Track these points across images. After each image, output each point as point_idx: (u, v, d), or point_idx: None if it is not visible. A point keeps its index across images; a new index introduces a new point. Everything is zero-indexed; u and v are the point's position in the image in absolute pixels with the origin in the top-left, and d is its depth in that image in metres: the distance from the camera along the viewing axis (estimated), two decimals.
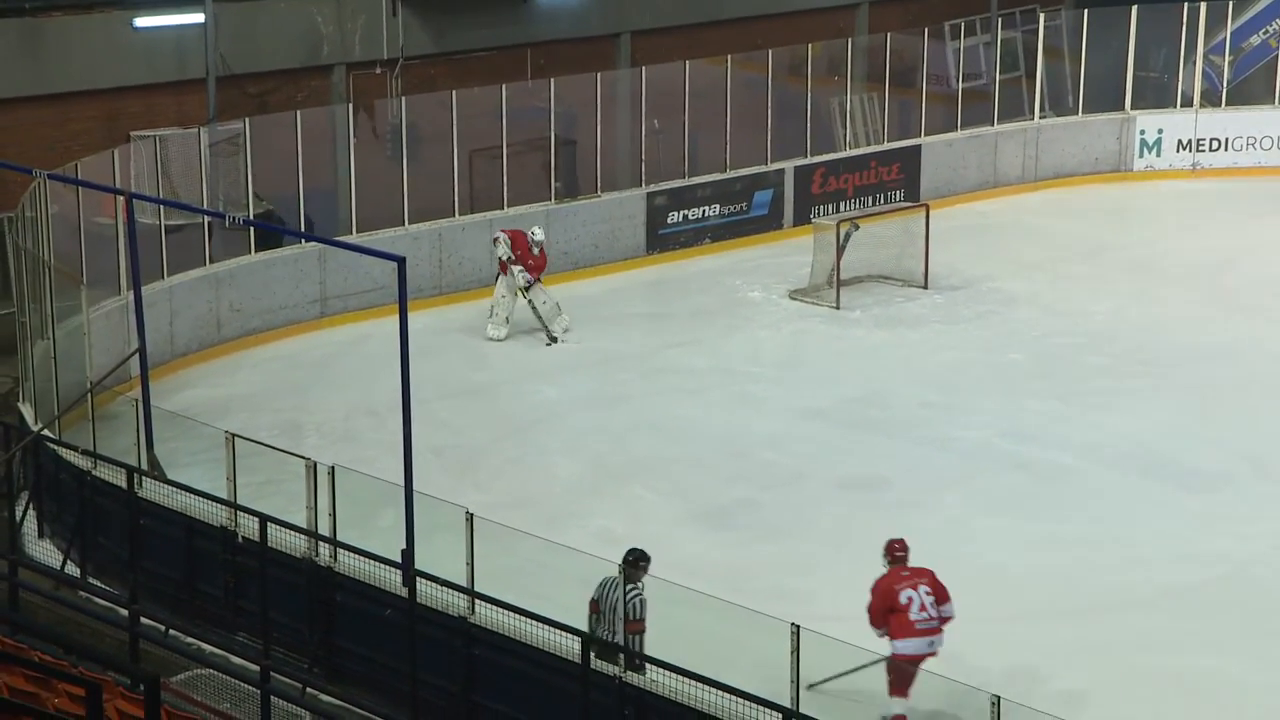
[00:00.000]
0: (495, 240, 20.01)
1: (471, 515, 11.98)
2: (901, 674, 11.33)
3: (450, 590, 11.98)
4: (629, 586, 11.31)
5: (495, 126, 21.59)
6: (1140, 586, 14.00)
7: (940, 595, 11.63)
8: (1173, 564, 14.38)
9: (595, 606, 11.40)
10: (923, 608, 11.49)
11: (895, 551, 11.97)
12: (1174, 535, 14.88)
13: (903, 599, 11.49)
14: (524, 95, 22.45)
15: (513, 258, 19.68)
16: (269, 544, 12.90)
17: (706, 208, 23.25)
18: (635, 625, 11.22)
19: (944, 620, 11.59)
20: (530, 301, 19.68)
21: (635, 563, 11.43)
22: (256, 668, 11.52)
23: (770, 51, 23.87)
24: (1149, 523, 15.11)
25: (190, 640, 12.70)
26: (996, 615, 13.52)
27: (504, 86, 21.66)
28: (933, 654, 11.46)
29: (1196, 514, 15.26)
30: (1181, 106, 26.73)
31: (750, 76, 23.95)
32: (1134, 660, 12.84)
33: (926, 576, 11.71)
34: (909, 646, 11.38)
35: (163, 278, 18.63)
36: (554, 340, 19.60)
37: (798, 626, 10.50)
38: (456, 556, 12.03)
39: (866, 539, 14.81)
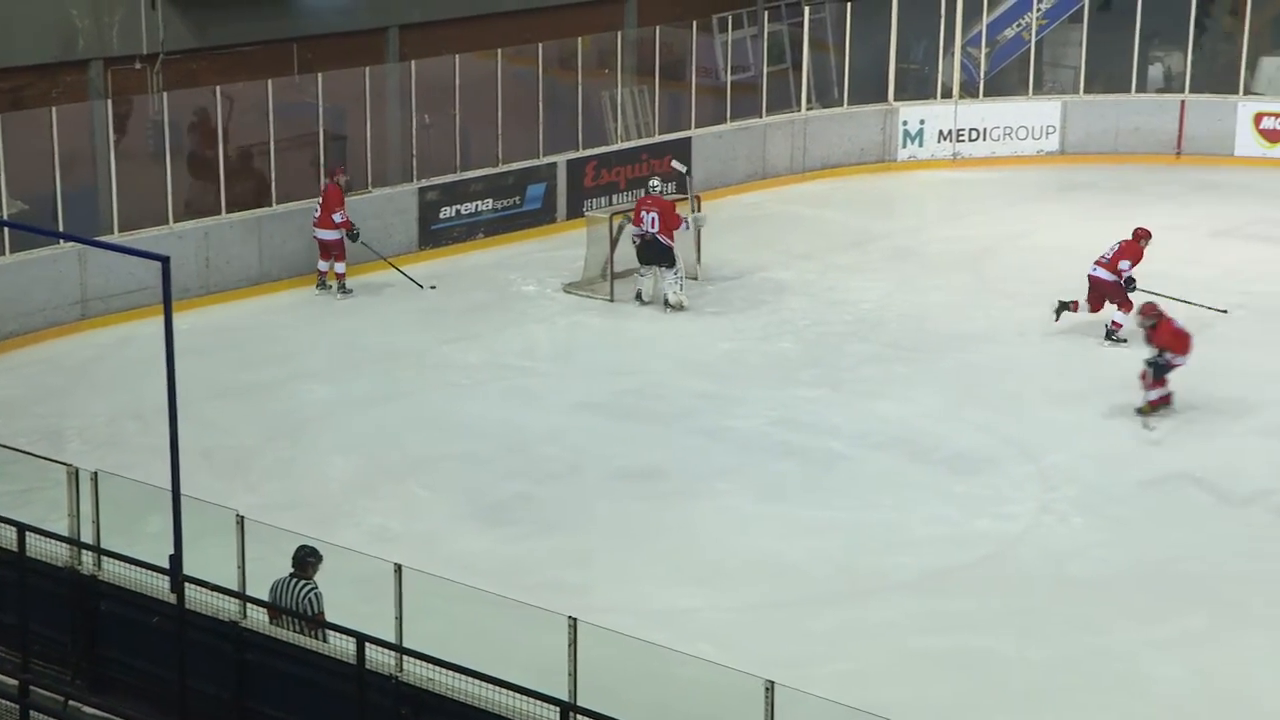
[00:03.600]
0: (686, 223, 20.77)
1: (242, 518, 11.75)
2: None
3: (220, 595, 11.73)
4: (302, 584, 11.31)
5: (262, 123, 21.21)
6: (909, 569, 14.33)
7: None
8: (940, 546, 14.74)
9: (273, 611, 11.32)
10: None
11: None
12: (940, 518, 15.25)
13: None
14: (291, 90, 22.08)
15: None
16: (28, 553, 12.48)
17: (479, 202, 23.16)
18: (314, 622, 11.20)
19: None
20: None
21: (306, 560, 11.46)
22: (15, 682, 11.15)
23: (540, 45, 23.85)
24: (916, 506, 15.47)
25: None
26: (770, 601, 13.75)
27: (270, 82, 21.29)
28: None
29: (962, 496, 15.66)
30: (942, 98, 27.42)
31: (521, 70, 23.92)
32: (904, 641, 13.13)
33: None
34: None
35: None
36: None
37: (575, 620, 10.51)
38: (227, 560, 11.79)
39: (643, 530, 15.02)
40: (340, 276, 21.12)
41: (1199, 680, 12.68)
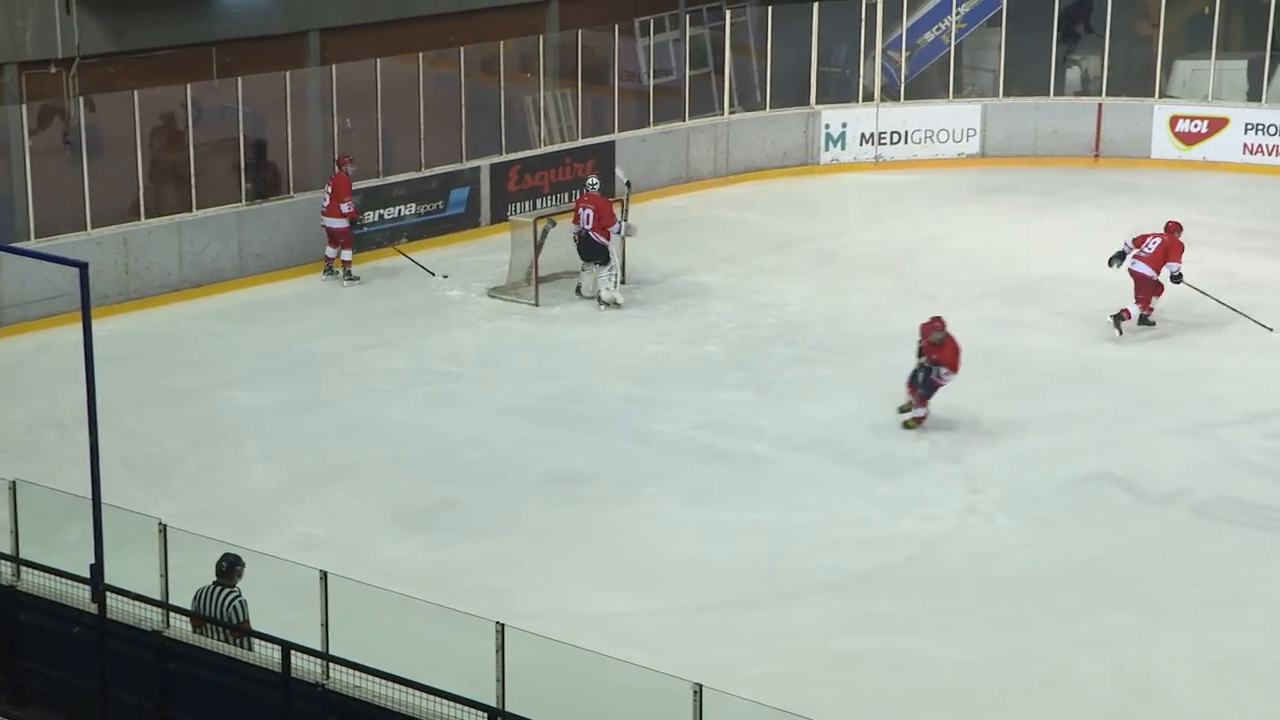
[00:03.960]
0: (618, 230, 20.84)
1: (165, 526, 11.64)
2: None
3: (143, 604, 11.62)
4: (226, 592, 11.24)
5: (181, 127, 21.03)
6: (834, 570, 14.39)
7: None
8: (865, 547, 14.81)
9: (197, 620, 11.24)
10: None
11: None
12: (865, 520, 15.33)
13: None
14: (210, 95, 21.91)
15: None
16: None
17: (402, 206, 23.05)
18: (239, 630, 11.13)
19: None
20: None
21: (230, 568, 11.38)
22: None
23: (462, 49, 23.77)
24: (841, 508, 15.54)
25: None
26: (697, 605, 13.78)
27: (189, 86, 21.10)
28: None
29: (886, 498, 15.74)
30: (863, 101, 27.57)
31: (443, 74, 23.83)
32: (830, 643, 13.19)
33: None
34: None
35: None
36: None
37: (502, 625, 10.48)
38: (150, 569, 11.68)
39: (570, 535, 15.00)
40: (346, 264, 21.61)
41: (1122, 677, 12.81)
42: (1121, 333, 19.67)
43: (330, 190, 21.39)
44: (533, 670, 11.23)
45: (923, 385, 16.98)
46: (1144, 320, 19.85)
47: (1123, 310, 19.76)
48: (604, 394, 18.19)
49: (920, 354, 17.05)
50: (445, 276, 21.40)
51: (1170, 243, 19.70)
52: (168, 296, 20.71)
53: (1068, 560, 14.62)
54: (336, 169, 21.55)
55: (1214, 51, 27.22)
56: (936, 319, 17.05)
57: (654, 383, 18.51)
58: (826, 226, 25.01)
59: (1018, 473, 16.27)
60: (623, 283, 21.31)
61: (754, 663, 12.74)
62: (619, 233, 20.95)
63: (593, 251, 20.76)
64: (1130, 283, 19.83)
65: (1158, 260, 19.62)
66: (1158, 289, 19.78)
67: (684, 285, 21.77)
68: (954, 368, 16.89)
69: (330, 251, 21.65)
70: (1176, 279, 19.58)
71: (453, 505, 15.53)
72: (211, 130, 21.77)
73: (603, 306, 20.67)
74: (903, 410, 17.09)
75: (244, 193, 21.60)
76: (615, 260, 20.90)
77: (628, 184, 21.94)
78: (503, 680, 10.50)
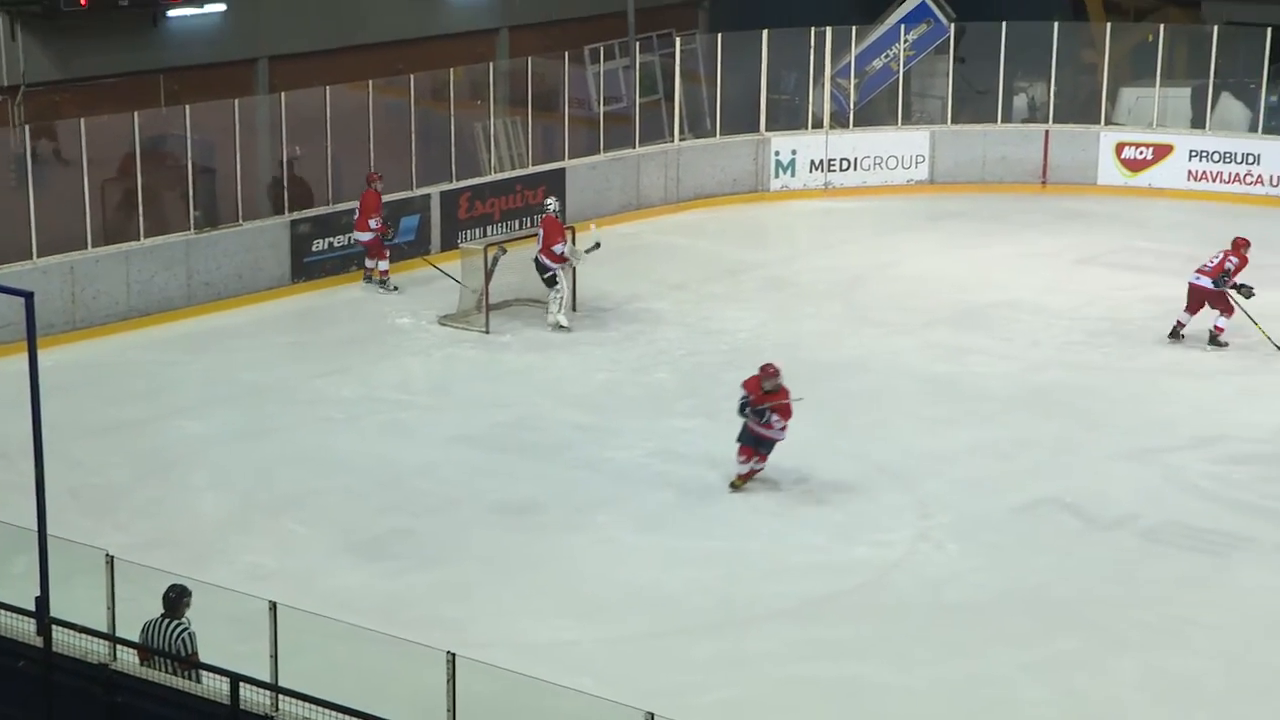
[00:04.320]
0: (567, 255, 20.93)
1: (112, 557, 11.54)
2: None
3: (89, 637, 11.51)
4: (174, 624, 11.15)
5: (128, 156, 20.92)
6: (787, 597, 14.39)
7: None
8: (817, 574, 14.83)
9: (144, 653, 11.15)
10: None
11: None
12: (818, 546, 15.35)
13: None
14: (158, 123, 21.81)
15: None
16: None
17: (352, 235, 22.98)
18: (187, 662, 11.04)
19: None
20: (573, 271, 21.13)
21: (178, 599, 11.30)
22: None
23: (412, 76, 23.77)
24: (793, 535, 15.56)
25: None
26: (650, 632, 13.75)
27: (136, 114, 21.00)
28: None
29: (839, 525, 15.77)
30: (813, 128, 27.69)
31: (392, 101, 23.81)
32: (783, 670, 13.18)
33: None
34: None
35: None
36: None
37: (453, 655, 10.44)
38: (96, 601, 11.57)
39: (522, 563, 14.97)
40: (384, 274, 22.39)
41: (1071, 702, 12.86)
42: (1180, 338, 20.29)
43: (360, 205, 22.15)
44: (484, 700, 11.19)
45: (760, 444, 16.13)
46: (1214, 341, 20.20)
47: (1179, 323, 20.30)
48: (555, 422, 18.17)
49: (744, 409, 16.09)
50: (597, 245, 21.30)
51: (1230, 255, 20.12)
52: (115, 326, 20.58)
53: (1017, 585, 14.68)
54: (366, 185, 22.17)
55: (1158, 79, 27.48)
56: (769, 366, 16.15)
57: (605, 410, 18.50)
58: (777, 253, 25.09)
59: (968, 499, 16.33)
60: (574, 310, 21.33)
61: (706, 690, 12.73)
62: (564, 254, 20.95)
63: (541, 273, 20.87)
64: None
65: (1216, 271, 20.05)
66: (1219, 299, 20.05)
67: (635, 312, 21.79)
68: (787, 415, 16.02)
69: (369, 263, 22.53)
70: (1243, 288, 20.00)
71: (403, 534, 15.46)
72: (160, 158, 21.67)
73: (551, 329, 20.78)
74: (734, 488, 16.22)
75: (193, 221, 21.49)
76: (564, 284, 20.92)
77: (597, 244, 21.55)
78: (454, 710, 10.45)
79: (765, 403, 16.12)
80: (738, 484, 16.34)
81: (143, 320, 20.89)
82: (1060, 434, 17.90)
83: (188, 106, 21.56)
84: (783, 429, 16.17)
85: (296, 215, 22.49)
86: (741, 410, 16.19)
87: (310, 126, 22.64)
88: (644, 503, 16.19)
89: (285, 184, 22.39)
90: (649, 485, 16.55)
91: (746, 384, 16.28)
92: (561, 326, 20.81)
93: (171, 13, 23.42)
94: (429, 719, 10.46)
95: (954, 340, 20.80)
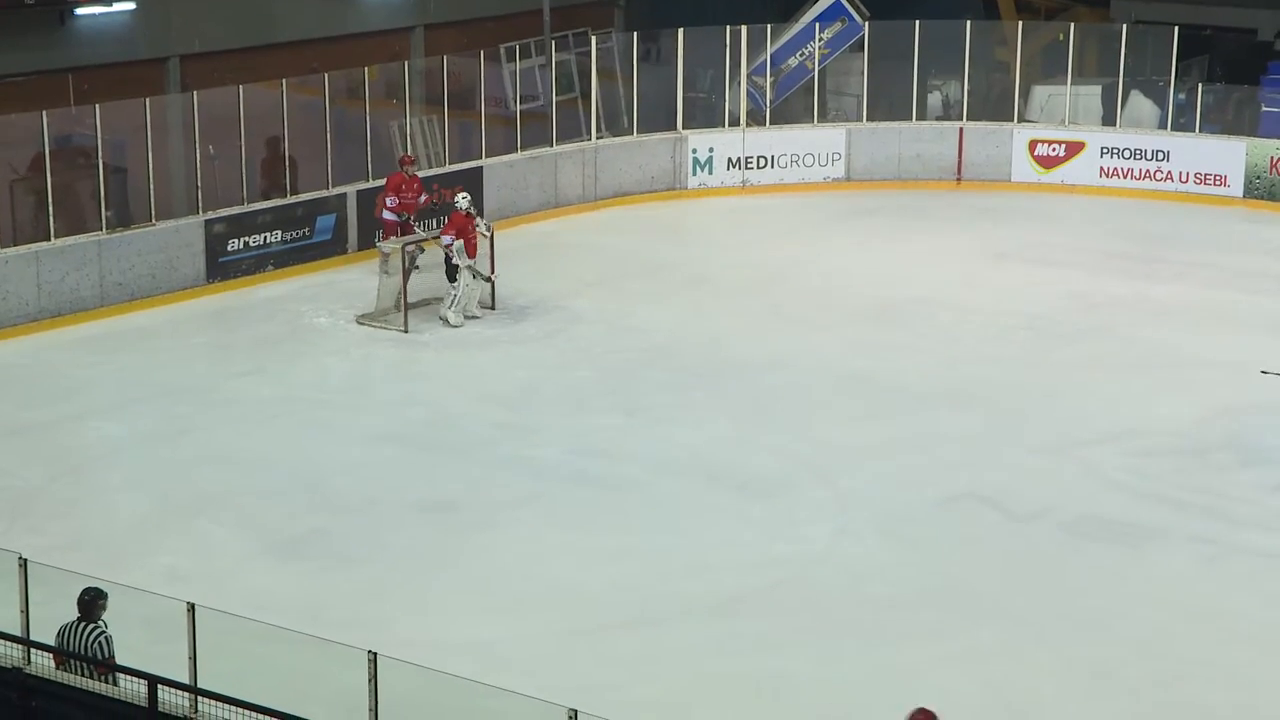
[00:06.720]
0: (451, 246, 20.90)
1: (25, 560, 11.39)
2: None
3: (3, 641, 11.34)
4: (91, 628, 11.03)
5: (37, 155, 20.65)
6: (708, 594, 14.41)
7: None
8: (738, 569, 14.86)
9: (60, 657, 11.02)
10: None
11: None
12: (738, 542, 15.38)
13: None
14: (68, 122, 21.54)
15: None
16: None
17: (268, 234, 22.80)
18: (104, 666, 10.92)
19: None
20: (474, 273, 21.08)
21: (93, 601, 11.16)
22: None
23: (326, 75, 23.60)
24: (713, 531, 15.58)
25: None
26: (571, 629, 13.73)
27: (44, 113, 20.71)
28: None
29: (758, 520, 15.81)
30: (729, 126, 27.77)
31: (307, 100, 23.63)
32: (704, 665, 13.20)
33: None
34: None
35: None
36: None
37: (375, 654, 10.37)
38: (9, 605, 11.41)
39: (442, 561, 14.92)
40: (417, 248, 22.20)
41: (990, 694, 12.95)
42: None
43: (385, 185, 22.63)
44: (407, 699, 11.13)
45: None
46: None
47: None
48: (474, 420, 18.11)
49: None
50: (490, 279, 21.40)
51: None
52: (27, 326, 20.31)
53: (937, 578, 14.78)
54: (399, 167, 22.78)
55: (1070, 77, 27.78)
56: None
57: (525, 408, 18.46)
58: (695, 251, 25.14)
59: (888, 493, 16.43)
60: (493, 308, 21.27)
61: (629, 686, 12.72)
62: (449, 246, 20.87)
63: (446, 264, 21.12)
64: None
65: None
66: None
67: (554, 310, 21.76)
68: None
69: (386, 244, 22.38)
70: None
71: (323, 534, 15.36)
72: (70, 157, 21.39)
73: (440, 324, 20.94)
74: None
75: (104, 221, 21.23)
76: (461, 280, 20.87)
77: (490, 279, 21.63)
78: (376, 710, 10.39)
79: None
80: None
81: (55, 321, 20.62)
82: (978, 428, 18.04)
83: (98, 106, 21.28)
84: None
85: (211, 215, 22.27)
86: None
87: (224, 126, 22.43)
88: (564, 500, 16.17)
89: (199, 183, 22.16)
90: (569, 482, 16.54)
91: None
92: (450, 323, 20.75)
93: (80, 10, 23.16)
94: (351, 719, 10.40)
95: (872, 336, 20.92)
